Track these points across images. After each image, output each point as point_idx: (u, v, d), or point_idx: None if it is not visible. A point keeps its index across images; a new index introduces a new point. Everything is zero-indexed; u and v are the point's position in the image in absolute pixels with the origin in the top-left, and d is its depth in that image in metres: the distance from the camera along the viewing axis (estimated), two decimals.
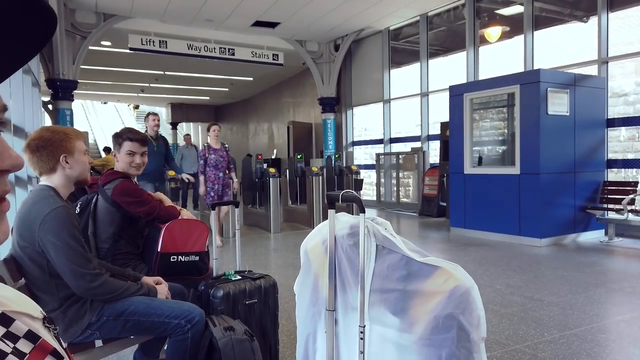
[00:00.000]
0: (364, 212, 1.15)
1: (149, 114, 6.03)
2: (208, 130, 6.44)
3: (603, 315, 3.45)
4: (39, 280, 1.81)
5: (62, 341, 0.62)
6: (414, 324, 1.07)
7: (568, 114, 6.27)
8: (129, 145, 2.43)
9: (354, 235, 1.23)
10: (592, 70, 7.17)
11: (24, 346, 0.53)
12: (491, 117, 7.53)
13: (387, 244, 1.15)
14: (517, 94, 6.31)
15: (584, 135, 6.47)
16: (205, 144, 6.36)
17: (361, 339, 1.16)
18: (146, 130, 5.84)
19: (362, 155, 12.82)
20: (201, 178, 6.19)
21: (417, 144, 10.51)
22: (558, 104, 6.17)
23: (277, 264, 5.52)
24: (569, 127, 6.32)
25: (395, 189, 10.71)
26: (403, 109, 11.30)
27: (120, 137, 2.45)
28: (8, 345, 0.50)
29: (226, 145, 6.53)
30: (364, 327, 1.16)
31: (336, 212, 1.28)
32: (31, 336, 0.55)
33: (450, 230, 7.29)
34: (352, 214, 1.34)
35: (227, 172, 6.43)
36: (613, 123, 7.10)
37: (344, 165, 9.58)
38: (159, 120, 5.94)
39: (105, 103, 23.08)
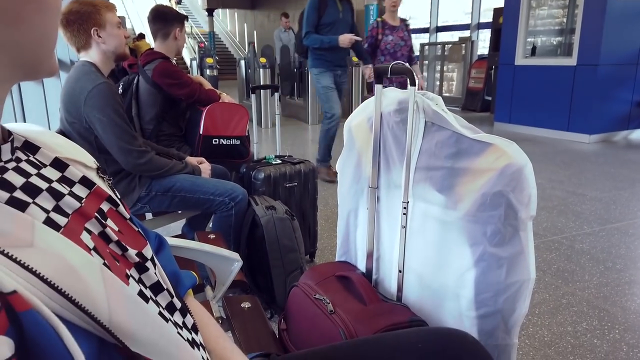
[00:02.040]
0: (414, 85, 1.08)
1: None
2: None
3: None
4: None
5: (116, 191, 0.63)
6: (460, 201, 1.05)
7: None
8: (181, 25, 2.41)
9: (402, 112, 1.17)
10: None
11: (80, 191, 0.54)
12: (550, 4, 6.85)
13: (437, 120, 1.09)
14: None
15: None
16: (379, 19, 4.33)
17: (404, 214, 1.15)
18: None
19: None
20: (367, 71, 4.19)
21: (466, 33, 9.83)
22: None
23: (314, 154, 5.58)
24: (638, 13, 5.70)
25: (438, 82, 10.27)
26: None
27: (177, 17, 2.41)
28: (65, 187, 0.51)
29: (407, 22, 4.41)
30: (407, 203, 1.15)
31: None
32: (86, 182, 0.56)
33: (494, 125, 7.07)
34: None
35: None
36: None
37: None
38: None
39: (178, 2, 21.82)
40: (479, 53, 9.40)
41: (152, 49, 2.47)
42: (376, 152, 1.24)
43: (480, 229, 1.03)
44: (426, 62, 10.40)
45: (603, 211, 3.34)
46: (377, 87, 1.20)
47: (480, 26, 9.58)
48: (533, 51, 6.73)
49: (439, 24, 10.77)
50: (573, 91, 5.93)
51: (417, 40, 11.34)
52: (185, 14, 2.61)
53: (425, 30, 11.02)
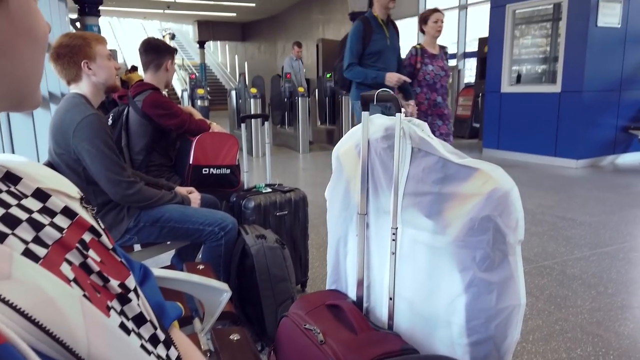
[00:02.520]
0: (400, 112, 1.09)
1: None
2: (424, 21, 3.92)
3: (637, 235, 3.39)
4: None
5: (100, 222, 0.62)
6: (448, 226, 1.05)
7: (619, 25, 5.80)
8: (172, 57, 2.45)
9: (389, 138, 1.18)
10: None
11: (61, 221, 0.53)
12: (533, 33, 7.05)
13: (424, 146, 1.10)
14: (564, 4, 5.83)
15: (635, 49, 6.02)
16: (417, 46, 3.95)
17: (393, 240, 1.15)
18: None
19: None
20: (409, 109, 3.57)
21: (452, 62, 10.05)
22: (610, 15, 5.70)
23: (306, 182, 5.59)
24: (618, 41, 5.88)
25: None
26: None
27: (169, 49, 2.44)
28: (45, 218, 0.50)
29: (446, 49, 4.13)
30: (396, 229, 1.15)
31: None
32: (68, 212, 0.55)
33: (482, 151, 7.15)
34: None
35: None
36: None
37: None
38: None
39: (172, 38, 21.97)
40: (465, 81, 9.59)
41: (142, 80, 2.49)
42: (364, 179, 1.25)
43: (469, 254, 1.03)
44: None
45: (593, 236, 3.36)
46: (364, 115, 1.22)
47: (466, 55, 9.81)
48: (518, 79, 6.89)
49: None
50: (559, 117, 6.04)
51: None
52: (177, 46, 2.66)
53: None
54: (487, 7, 7.17)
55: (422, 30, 3.96)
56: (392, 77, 3.40)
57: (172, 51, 2.45)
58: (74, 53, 1.78)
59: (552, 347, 1.99)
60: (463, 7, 9.66)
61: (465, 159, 1.04)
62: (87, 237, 0.55)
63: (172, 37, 21.95)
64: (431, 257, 1.10)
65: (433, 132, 2.77)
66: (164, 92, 2.49)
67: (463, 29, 9.77)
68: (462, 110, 9.12)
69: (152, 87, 2.40)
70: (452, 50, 10.17)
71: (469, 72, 9.65)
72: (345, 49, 3.56)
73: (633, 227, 3.55)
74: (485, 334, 1.05)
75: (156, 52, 2.39)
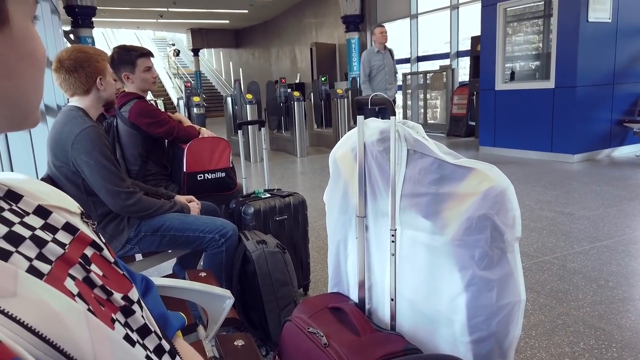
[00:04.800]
0: (394, 115, 1.11)
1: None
2: None
3: (635, 227, 3.40)
4: (75, 199, 1.85)
5: (101, 236, 0.63)
6: (446, 226, 1.06)
7: (610, 20, 5.83)
8: (143, 61, 2.33)
9: (384, 141, 1.20)
10: None
11: (63, 237, 0.54)
12: (525, 30, 7.09)
13: (419, 148, 1.12)
14: (554, 1, 5.86)
15: (626, 44, 6.05)
16: None
17: (392, 242, 1.16)
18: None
19: None
20: None
21: (446, 62, 10.09)
22: (600, 10, 5.73)
23: (304, 186, 5.60)
24: (610, 36, 5.91)
25: (422, 110, 10.45)
26: (431, 25, 10.74)
27: (130, 56, 2.32)
28: (48, 235, 0.51)
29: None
30: (395, 230, 1.16)
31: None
32: (70, 228, 0.56)
33: (479, 149, 7.17)
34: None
35: None
36: None
37: None
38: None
39: (176, 54, 21.68)
40: (460, 80, 9.62)
41: (124, 91, 2.44)
42: (362, 182, 1.26)
43: (468, 253, 1.04)
44: (409, 90, 10.61)
45: (592, 229, 3.37)
46: (359, 118, 1.23)
47: (460, 54, 9.84)
48: (512, 76, 6.91)
49: (420, 54, 11.04)
50: (554, 113, 6.06)
51: (399, 70, 11.57)
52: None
53: (406, 61, 11.28)
54: (478, 6, 7.20)
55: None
56: None
57: (135, 55, 2.34)
58: (93, 68, 1.79)
59: (555, 342, 2.00)
60: (455, 7, 9.71)
61: (460, 159, 1.05)
62: (88, 251, 0.56)
63: (177, 53, 21.83)
64: (431, 257, 1.12)
65: None
66: (157, 100, 2.49)
67: (455, 28, 9.81)
68: (458, 109, 9.15)
69: (137, 95, 2.36)
70: (445, 49, 10.21)
71: (463, 70, 9.68)
72: None
73: (631, 220, 3.56)
74: (487, 331, 1.06)
75: (121, 61, 2.32)
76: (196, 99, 6.81)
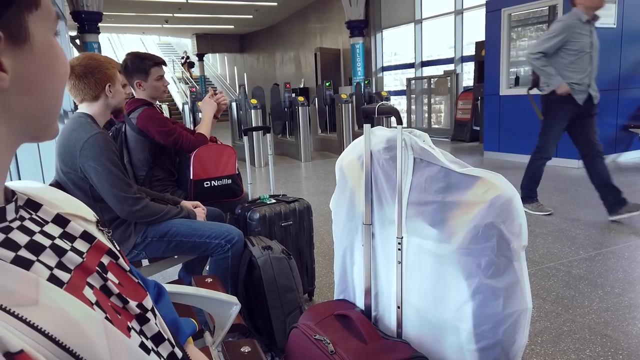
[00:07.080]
0: (401, 123, 1.12)
1: None
2: None
3: None
4: None
5: (115, 244, 0.64)
6: (453, 234, 1.07)
7: (615, 26, 5.83)
8: (156, 70, 2.38)
9: (391, 149, 1.21)
10: None
11: (81, 245, 0.55)
12: (529, 35, 7.09)
13: (425, 156, 1.12)
14: (559, 6, 5.87)
15: (631, 49, 6.04)
16: None
17: (399, 249, 1.17)
18: None
19: (392, 82, 12.45)
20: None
21: (450, 67, 10.10)
22: (604, 15, 5.71)
23: (309, 191, 5.61)
24: (615, 41, 5.91)
25: (426, 115, 10.45)
26: (435, 30, 10.77)
27: (144, 65, 2.36)
28: (67, 243, 0.52)
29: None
30: (402, 238, 1.17)
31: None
32: (87, 236, 0.57)
33: (483, 154, 7.16)
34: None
35: None
36: None
37: (374, 91, 9.36)
38: None
39: (191, 67, 21.58)
40: (464, 85, 9.62)
41: (134, 97, 2.47)
42: (368, 190, 1.27)
43: (474, 261, 1.04)
44: (413, 95, 10.62)
45: (598, 235, 3.36)
46: (366, 127, 1.24)
47: (464, 59, 9.85)
48: (517, 81, 6.91)
49: (424, 59, 11.06)
50: None
51: (403, 75, 11.60)
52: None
53: (411, 66, 11.30)
54: (482, 11, 7.22)
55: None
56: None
57: (149, 64, 2.38)
58: (102, 75, 1.82)
59: (560, 349, 1.99)
60: (459, 12, 9.73)
61: (466, 168, 1.06)
62: (105, 260, 0.57)
63: (192, 65, 21.77)
64: (437, 265, 1.12)
65: None
66: (162, 105, 2.50)
67: (460, 33, 9.83)
68: (462, 114, 9.14)
69: (146, 102, 2.40)
70: (449, 54, 10.22)
71: (467, 75, 9.69)
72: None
73: (638, 226, 3.55)
74: (494, 339, 1.06)
75: (135, 68, 2.36)
76: (201, 104, 6.84)
